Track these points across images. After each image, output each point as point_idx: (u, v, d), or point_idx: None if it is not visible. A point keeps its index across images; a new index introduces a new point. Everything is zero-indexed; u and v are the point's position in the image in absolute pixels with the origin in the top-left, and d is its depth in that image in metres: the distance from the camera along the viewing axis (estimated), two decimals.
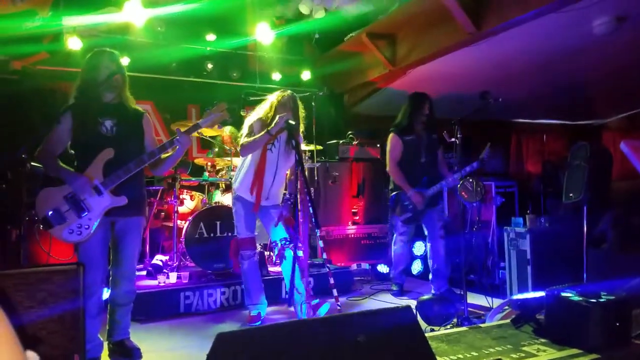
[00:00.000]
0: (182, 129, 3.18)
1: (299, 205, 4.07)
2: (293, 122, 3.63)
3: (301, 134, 4.14)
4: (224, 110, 3.26)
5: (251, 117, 4.02)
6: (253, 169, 3.93)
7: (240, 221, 4.02)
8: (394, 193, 4.70)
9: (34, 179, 3.51)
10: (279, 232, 3.99)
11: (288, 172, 4.16)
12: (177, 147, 3.13)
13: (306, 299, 3.63)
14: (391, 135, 4.73)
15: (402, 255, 4.98)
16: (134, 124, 3.21)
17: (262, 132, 3.76)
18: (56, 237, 2.92)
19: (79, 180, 2.90)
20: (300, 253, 3.87)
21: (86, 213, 2.92)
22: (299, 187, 3.58)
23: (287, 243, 3.94)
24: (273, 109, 3.92)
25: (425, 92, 4.70)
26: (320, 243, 3.51)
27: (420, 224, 4.77)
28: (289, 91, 4.06)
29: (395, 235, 4.97)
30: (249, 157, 3.96)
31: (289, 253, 3.89)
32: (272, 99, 4.00)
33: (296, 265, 3.99)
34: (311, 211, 3.46)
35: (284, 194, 4.23)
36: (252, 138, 3.83)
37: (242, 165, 4.06)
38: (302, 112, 4.06)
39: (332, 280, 3.36)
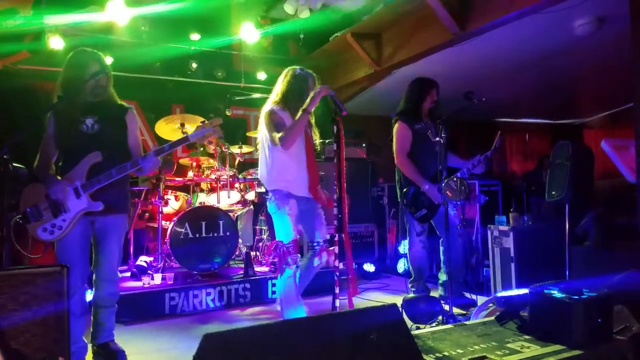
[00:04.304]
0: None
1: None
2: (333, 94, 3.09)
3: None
4: (217, 125, 3.13)
5: (267, 107, 3.50)
6: (299, 159, 3.43)
7: (291, 222, 3.39)
8: (406, 188, 4.15)
9: (17, 180, 3.47)
10: (323, 233, 3.53)
11: None
12: (141, 167, 3.02)
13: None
14: (398, 123, 4.22)
15: (424, 260, 4.29)
16: (116, 119, 3.16)
17: (299, 113, 3.25)
18: (31, 234, 2.92)
19: (56, 187, 2.93)
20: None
21: (62, 214, 2.93)
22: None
23: (327, 246, 3.48)
24: (296, 88, 3.45)
25: (431, 78, 4.31)
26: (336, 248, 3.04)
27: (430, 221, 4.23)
28: (300, 69, 3.57)
29: (410, 238, 4.30)
30: (278, 146, 3.35)
31: (323, 258, 3.47)
32: (283, 78, 3.55)
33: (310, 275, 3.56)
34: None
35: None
36: (289, 126, 3.30)
37: (275, 158, 3.43)
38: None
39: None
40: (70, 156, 3.01)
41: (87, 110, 3.07)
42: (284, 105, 3.45)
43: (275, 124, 3.35)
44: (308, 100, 3.24)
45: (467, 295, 4.27)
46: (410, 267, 4.38)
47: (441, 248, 4.26)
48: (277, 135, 3.28)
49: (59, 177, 3.00)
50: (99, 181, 2.95)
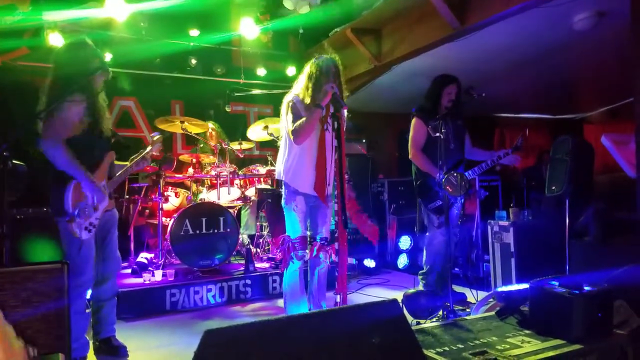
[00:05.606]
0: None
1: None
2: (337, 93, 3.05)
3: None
4: (158, 142, 3.47)
5: (289, 96, 3.40)
6: (310, 155, 3.32)
7: (299, 219, 3.36)
8: (420, 180, 4.17)
9: (17, 177, 3.46)
10: (325, 230, 3.46)
11: None
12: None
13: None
14: (414, 119, 4.25)
15: (441, 255, 4.10)
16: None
17: (314, 109, 3.14)
18: (76, 232, 2.88)
19: (93, 185, 2.95)
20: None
21: (96, 212, 2.99)
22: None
23: (326, 244, 3.38)
24: (314, 80, 3.27)
25: (453, 75, 4.24)
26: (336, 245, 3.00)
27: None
28: (327, 55, 3.39)
29: (430, 232, 4.22)
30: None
31: (321, 256, 3.36)
32: (307, 69, 3.38)
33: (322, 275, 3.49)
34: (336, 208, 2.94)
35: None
36: (300, 120, 3.19)
37: (290, 151, 3.38)
38: (344, 80, 3.44)
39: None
40: (86, 152, 2.96)
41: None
42: (305, 97, 3.33)
43: (293, 115, 3.27)
44: (321, 95, 3.14)
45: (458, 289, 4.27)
46: (424, 259, 4.30)
47: None
48: (290, 129, 3.23)
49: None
50: (116, 183, 3.14)
